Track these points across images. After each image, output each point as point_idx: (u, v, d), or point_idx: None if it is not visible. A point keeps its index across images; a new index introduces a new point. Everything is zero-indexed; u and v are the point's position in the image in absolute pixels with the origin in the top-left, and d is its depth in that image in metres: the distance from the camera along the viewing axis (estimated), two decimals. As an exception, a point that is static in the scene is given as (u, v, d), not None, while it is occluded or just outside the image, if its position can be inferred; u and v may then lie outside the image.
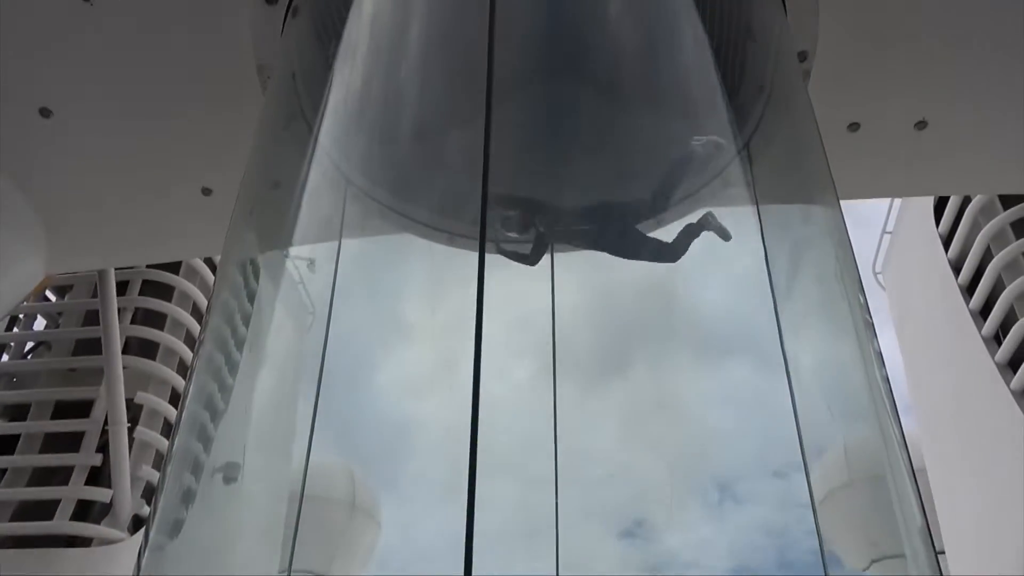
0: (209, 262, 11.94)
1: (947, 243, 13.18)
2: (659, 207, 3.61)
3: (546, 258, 3.52)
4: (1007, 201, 11.94)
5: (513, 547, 2.86)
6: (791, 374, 2.78)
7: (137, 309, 11.32)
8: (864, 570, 2.72)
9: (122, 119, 5.52)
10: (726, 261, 3.48)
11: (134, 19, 4.94)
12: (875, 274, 16.03)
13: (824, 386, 2.95)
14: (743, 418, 3.09)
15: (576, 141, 3.67)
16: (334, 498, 3.25)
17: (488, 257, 2.74)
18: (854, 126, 5.56)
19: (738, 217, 3.66)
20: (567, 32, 3.89)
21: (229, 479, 3.03)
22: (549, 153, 3.69)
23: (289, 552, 2.90)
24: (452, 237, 3.44)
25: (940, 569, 2.48)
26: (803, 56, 4.47)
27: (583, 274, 3.47)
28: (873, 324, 2.95)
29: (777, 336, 2.88)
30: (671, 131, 3.74)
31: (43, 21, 5.00)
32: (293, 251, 3.47)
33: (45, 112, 5.41)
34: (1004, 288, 11.63)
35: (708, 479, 3.08)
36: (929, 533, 2.52)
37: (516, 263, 3.43)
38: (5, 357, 11.28)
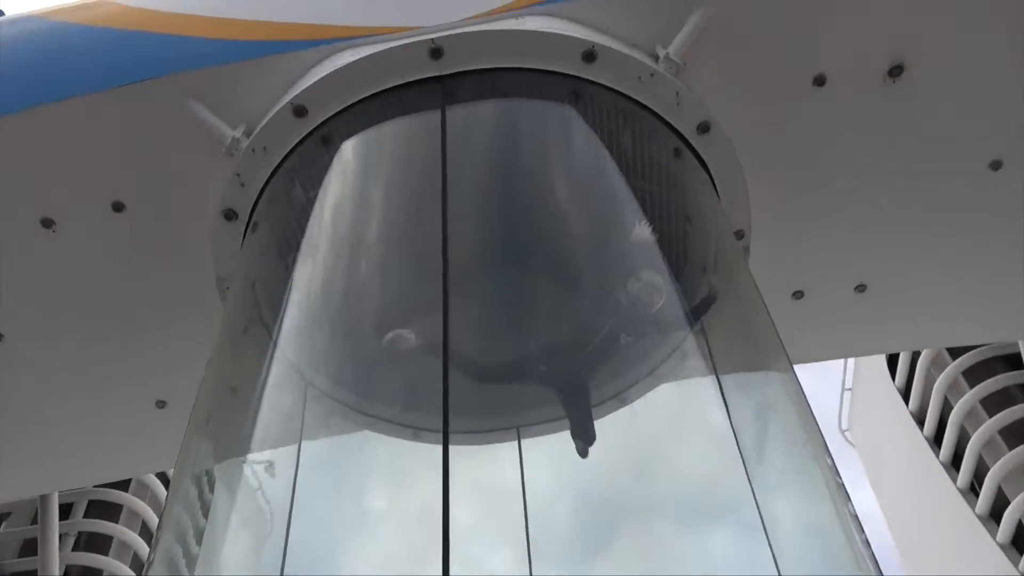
0: (163, 476, 11.46)
1: (906, 396, 13.44)
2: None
3: (512, 442, 3.46)
4: (954, 351, 12.31)
5: None
6: (771, 540, 2.70)
7: (80, 533, 10.70)
8: None
9: (74, 338, 5.47)
10: (694, 431, 3.47)
11: (99, 243, 5.05)
12: (842, 432, 16.10)
13: (805, 552, 2.86)
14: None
15: (531, 322, 3.75)
16: None
17: (453, 448, 2.68)
18: (798, 294, 5.81)
19: (700, 387, 3.69)
20: (517, 221, 4.10)
21: None
22: (507, 338, 3.76)
23: None
24: (417, 432, 3.38)
25: None
26: (740, 234, 4.75)
27: (552, 453, 3.41)
28: (844, 486, 2.92)
29: (753, 502, 2.83)
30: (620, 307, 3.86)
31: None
32: (251, 456, 3.36)
33: (-6, 337, 5.34)
34: (969, 438, 11.73)
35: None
36: None
37: (481, 451, 3.37)
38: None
